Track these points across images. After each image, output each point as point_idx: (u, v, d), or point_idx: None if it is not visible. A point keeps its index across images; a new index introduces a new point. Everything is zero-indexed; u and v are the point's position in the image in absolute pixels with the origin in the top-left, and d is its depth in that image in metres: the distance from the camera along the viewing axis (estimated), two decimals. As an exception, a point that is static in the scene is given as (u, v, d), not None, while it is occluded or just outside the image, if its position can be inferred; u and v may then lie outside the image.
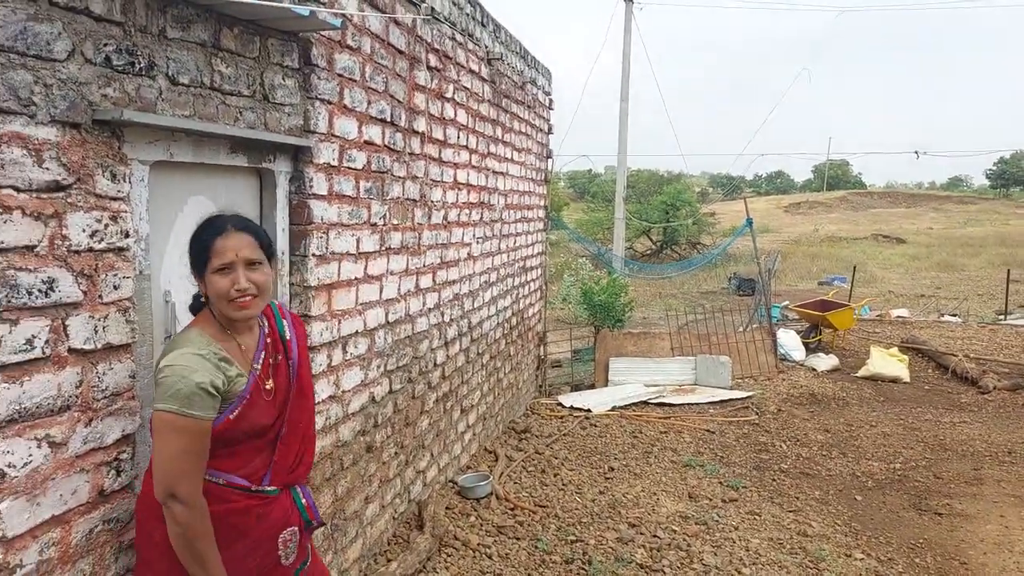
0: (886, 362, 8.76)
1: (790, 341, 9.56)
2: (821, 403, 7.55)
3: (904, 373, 8.62)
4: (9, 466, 1.69)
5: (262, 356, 2.03)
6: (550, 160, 7.53)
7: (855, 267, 14.22)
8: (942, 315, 13.31)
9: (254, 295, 1.94)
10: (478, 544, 4.10)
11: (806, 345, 9.75)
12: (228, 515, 1.92)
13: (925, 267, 23.50)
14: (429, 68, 4.06)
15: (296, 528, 2.11)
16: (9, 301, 1.66)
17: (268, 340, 2.08)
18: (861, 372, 8.74)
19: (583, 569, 3.91)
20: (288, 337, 2.14)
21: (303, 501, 2.14)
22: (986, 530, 4.58)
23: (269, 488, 2.02)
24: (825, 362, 9.09)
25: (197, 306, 2.04)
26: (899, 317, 12.72)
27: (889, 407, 7.49)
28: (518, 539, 4.24)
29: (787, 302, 12.84)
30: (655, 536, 4.31)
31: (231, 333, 1.98)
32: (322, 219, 3.01)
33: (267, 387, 2.01)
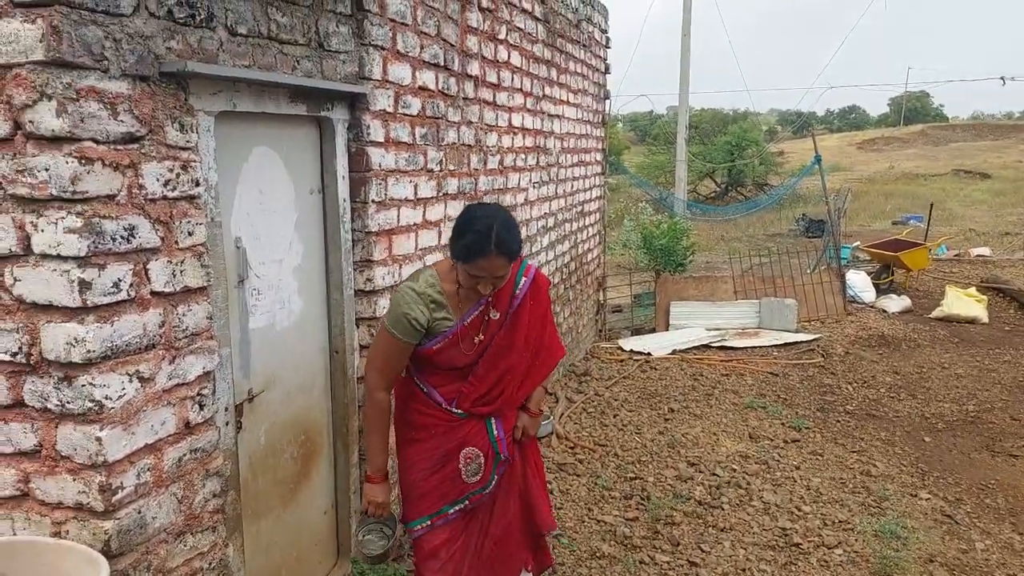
0: (963, 302, 8.40)
1: (860, 282, 9.26)
2: (891, 345, 7.34)
3: (982, 314, 8.26)
4: (106, 398, 1.85)
5: (476, 312, 2.34)
6: (607, 101, 7.38)
7: (932, 205, 13.48)
8: (1028, 253, 12.59)
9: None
10: (539, 480, 4.23)
11: (877, 287, 9.43)
12: (426, 419, 2.43)
13: (1011, 203, 22.08)
14: (481, 9, 4.01)
15: (480, 453, 2.43)
16: (96, 247, 1.79)
17: (490, 299, 2.34)
18: (935, 313, 8.42)
19: (642, 504, 4.00)
20: (517, 294, 2.39)
21: (495, 433, 2.46)
22: (1064, 472, 4.44)
23: (457, 410, 2.42)
24: (897, 303, 8.79)
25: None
26: (980, 256, 12.11)
27: (964, 348, 7.23)
28: (578, 476, 4.35)
29: (858, 243, 12.38)
30: (714, 474, 4.35)
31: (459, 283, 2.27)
32: (380, 165, 3.07)
33: (475, 340, 2.35)
